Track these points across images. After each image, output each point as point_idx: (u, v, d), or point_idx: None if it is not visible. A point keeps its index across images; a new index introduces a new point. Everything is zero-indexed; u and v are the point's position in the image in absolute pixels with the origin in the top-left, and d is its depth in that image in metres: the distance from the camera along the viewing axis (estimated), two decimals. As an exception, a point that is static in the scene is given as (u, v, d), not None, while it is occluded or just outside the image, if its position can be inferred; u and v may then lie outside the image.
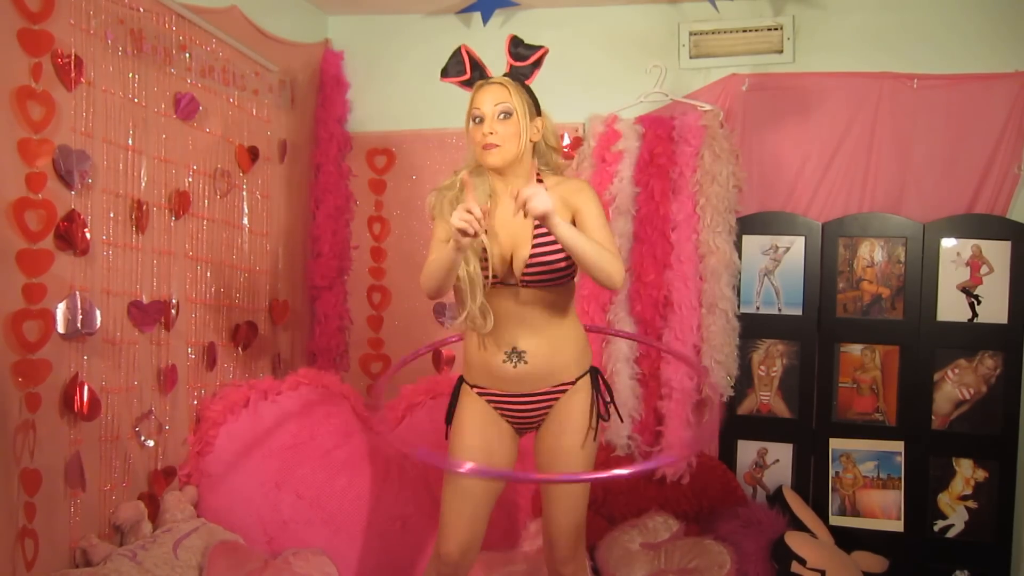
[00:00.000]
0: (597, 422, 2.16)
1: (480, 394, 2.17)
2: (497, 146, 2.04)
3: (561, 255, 2.04)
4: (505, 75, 2.13)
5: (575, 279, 2.15)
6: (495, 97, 2.05)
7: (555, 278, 2.06)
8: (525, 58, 2.14)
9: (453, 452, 2.17)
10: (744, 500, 3.31)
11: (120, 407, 2.47)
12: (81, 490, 2.30)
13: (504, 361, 2.10)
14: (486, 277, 2.04)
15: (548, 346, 2.10)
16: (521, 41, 2.15)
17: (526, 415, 2.17)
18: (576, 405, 2.15)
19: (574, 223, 2.09)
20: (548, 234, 2.01)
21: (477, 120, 2.07)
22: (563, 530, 2.18)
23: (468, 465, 2.09)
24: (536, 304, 2.08)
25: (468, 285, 2.03)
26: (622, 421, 2.16)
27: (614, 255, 1.98)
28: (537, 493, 2.86)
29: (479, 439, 2.15)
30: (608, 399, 2.22)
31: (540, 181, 2.13)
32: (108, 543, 2.36)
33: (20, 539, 2.11)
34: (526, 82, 2.13)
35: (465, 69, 2.14)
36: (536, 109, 2.13)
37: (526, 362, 2.09)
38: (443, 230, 2.11)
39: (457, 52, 2.16)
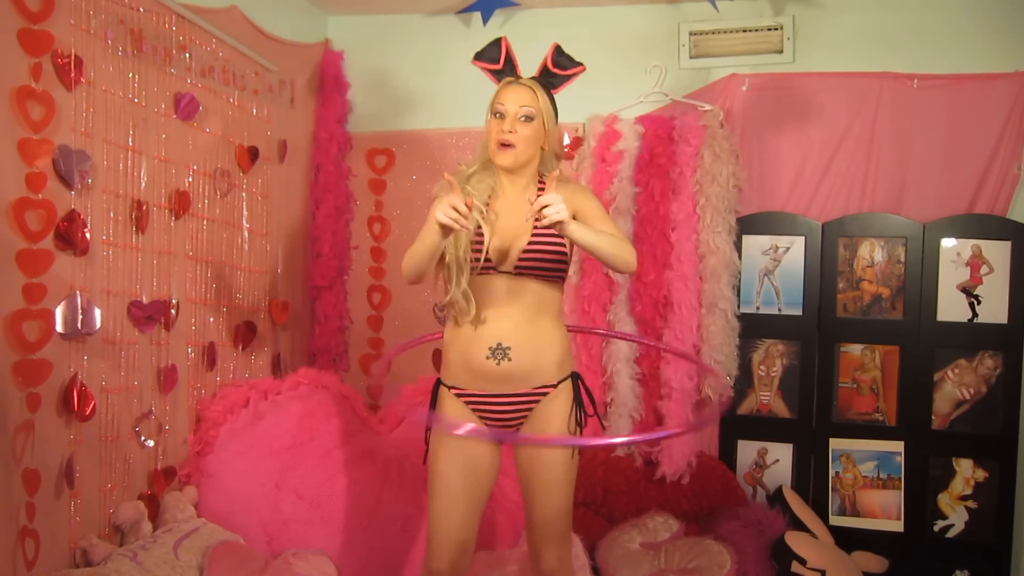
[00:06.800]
0: (579, 430, 2.12)
1: (458, 395, 2.12)
2: (513, 147, 2.06)
3: (557, 248, 2.06)
4: (534, 78, 2.12)
5: (565, 278, 2.15)
6: (521, 99, 2.07)
7: (549, 268, 2.06)
8: (564, 68, 2.14)
9: (434, 468, 2.12)
10: (744, 500, 3.31)
11: (120, 407, 2.47)
12: (78, 491, 2.30)
13: (488, 357, 2.06)
14: (476, 261, 2.04)
15: (533, 344, 2.07)
16: (564, 52, 2.15)
17: (505, 416, 2.11)
18: (556, 411, 2.10)
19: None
20: (548, 227, 2.03)
21: (498, 115, 2.08)
22: (546, 533, 2.11)
23: (468, 426, 2.07)
24: (526, 297, 2.06)
25: (454, 269, 2.04)
26: (604, 429, 2.11)
27: (624, 240, 2.06)
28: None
29: (460, 455, 2.10)
30: (591, 410, 2.18)
31: (542, 184, 2.15)
32: (108, 543, 2.36)
33: (21, 539, 2.11)
34: (552, 92, 2.13)
35: (499, 59, 2.14)
36: (555, 118, 2.14)
37: (510, 359, 2.05)
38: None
39: (497, 41, 2.16)
